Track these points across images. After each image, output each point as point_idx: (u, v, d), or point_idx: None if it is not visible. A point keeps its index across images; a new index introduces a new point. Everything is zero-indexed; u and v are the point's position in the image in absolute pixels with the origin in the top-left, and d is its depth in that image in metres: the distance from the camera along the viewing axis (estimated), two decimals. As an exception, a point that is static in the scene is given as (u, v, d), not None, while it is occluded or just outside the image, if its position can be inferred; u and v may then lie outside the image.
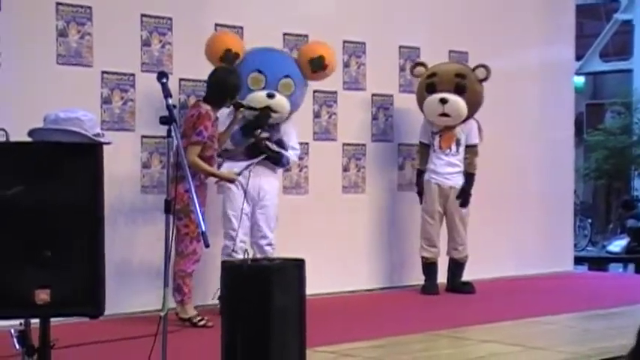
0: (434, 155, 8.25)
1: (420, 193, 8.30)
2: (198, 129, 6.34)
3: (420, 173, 8.31)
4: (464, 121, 8.19)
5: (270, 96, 6.96)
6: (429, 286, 8.22)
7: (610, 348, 5.58)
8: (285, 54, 7.51)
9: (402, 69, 8.74)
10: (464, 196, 8.20)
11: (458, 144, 8.21)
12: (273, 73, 7.07)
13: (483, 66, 8.25)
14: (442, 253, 8.33)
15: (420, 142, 8.36)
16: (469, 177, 8.22)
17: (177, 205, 6.04)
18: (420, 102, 8.31)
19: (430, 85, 8.22)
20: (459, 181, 8.22)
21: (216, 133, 6.52)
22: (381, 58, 8.53)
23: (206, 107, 6.44)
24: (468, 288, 8.28)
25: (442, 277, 8.38)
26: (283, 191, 7.88)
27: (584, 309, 7.50)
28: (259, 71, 7.01)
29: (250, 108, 6.73)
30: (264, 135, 6.95)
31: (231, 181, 6.73)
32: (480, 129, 8.29)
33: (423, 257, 8.27)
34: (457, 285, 8.30)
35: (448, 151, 8.20)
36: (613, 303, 7.69)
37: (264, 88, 6.98)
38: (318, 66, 7.25)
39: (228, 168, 6.83)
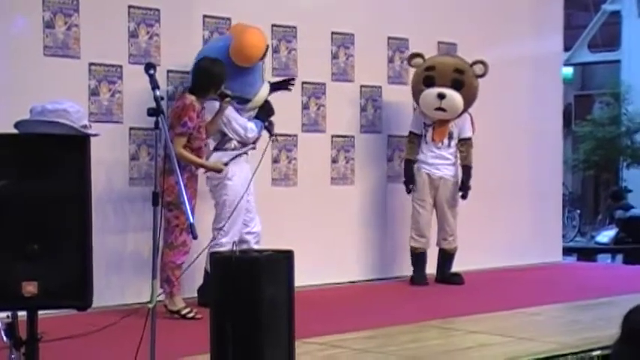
0: (425, 147, 8.24)
1: (407, 183, 8.28)
2: (183, 120, 6.34)
3: (409, 163, 8.30)
4: (459, 115, 8.20)
5: None
6: (418, 277, 8.23)
7: (598, 338, 5.60)
8: None
9: (390, 60, 8.73)
10: (464, 189, 8.19)
11: (450, 137, 8.21)
12: None
13: (482, 62, 8.23)
14: (432, 243, 8.33)
15: (411, 131, 8.34)
16: (467, 170, 8.22)
17: (168, 197, 6.05)
18: (416, 94, 8.28)
19: (428, 78, 8.20)
20: (448, 172, 8.22)
21: (203, 124, 6.51)
22: (370, 50, 8.51)
23: (191, 98, 6.43)
24: (456, 279, 8.28)
25: (432, 268, 8.38)
26: (272, 183, 7.88)
27: (573, 299, 7.52)
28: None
29: (236, 97, 6.71)
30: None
31: (219, 171, 6.72)
32: (472, 121, 8.30)
33: (411, 247, 8.28)
34: (446, 276, 8.31)
35: (440, 144, 8.20)
36: (601, 293, 7.71)
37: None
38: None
39: (217, 158, 6.82)
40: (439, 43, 9.00)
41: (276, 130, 7.15)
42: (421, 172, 8.23)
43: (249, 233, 6.95)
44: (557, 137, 10.42)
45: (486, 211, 9.19)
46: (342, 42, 8.39)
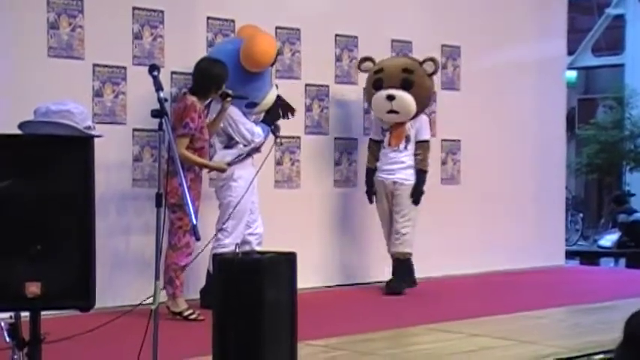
0: (383, 152, 7.93)
1: (369, 193, 8.00)
2: (185, 121, 6.35)
3: (369, 172, 8.01)
4: (414, 116, 7.89)
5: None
6: (389, 283, 7.90)
7: (601, 342, 5.59)
8: None
9: (394, 63, 8.72)
10: (416, 194, 7.83)
11: (407, 140, 7.87)
12: None
13: (432, 59, 7.98)
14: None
15: (371, 139, 8.09)
16: (421, 174, 7.85)
17: (172, 199, 6.06)
18: (369, 99, 8.07)
19: (377, 80, 7.94)
20: (401, 176, 7.85)
21: (205, 124, 6.51)
22: (374, 52, 8.50)
23: (192, 99, 6.44)
24: (397, 287, 7.79)
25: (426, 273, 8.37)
26: (275, 185, 7.89)
27: (576, 303, 7.52)
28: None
29: (237, 97, 6.71)
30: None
31: (222, 170, 6.74)
32: (430, 124, 8.07)
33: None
34: (391, 282, 7.84)
35: (397, 148, 7.86)
36: (604, 297, 7.71)
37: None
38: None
39: (221, 157, 6.84)
40: (443, 45, 9.00)
41: (279, 131, 7.16)
42: (378, 181, 7.94)
43: (251, 234, 6.97)
44: (560, 141, 10.42)
45: (489, 214, 9.19)
46: (346, 45, 8.40)
